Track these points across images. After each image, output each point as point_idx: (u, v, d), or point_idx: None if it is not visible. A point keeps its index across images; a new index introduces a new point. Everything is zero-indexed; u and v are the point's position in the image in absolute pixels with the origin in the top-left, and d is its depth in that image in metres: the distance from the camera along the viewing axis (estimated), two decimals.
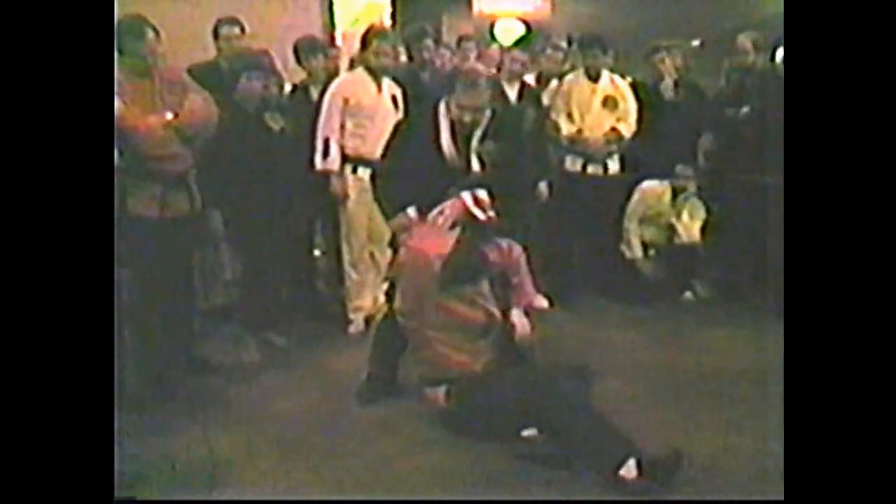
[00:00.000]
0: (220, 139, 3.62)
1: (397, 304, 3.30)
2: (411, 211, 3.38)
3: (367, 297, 4.47)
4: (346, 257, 4.46)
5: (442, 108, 3.45)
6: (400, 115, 4.32)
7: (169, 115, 3.38)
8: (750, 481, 2.68)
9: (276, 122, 4.12)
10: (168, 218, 3.43)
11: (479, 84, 3.43)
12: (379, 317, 3.60)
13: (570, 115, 4.82)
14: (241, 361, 3.96)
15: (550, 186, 4.86)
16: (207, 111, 3.53)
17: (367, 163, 4.20)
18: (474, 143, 3.46)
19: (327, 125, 4.26)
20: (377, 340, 3.53)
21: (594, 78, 4.83)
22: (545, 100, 4.94)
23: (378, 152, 3.72)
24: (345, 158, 4.30)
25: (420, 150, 3.43)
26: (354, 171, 4.30)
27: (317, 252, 4.81)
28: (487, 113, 3.43)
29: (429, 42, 4.87)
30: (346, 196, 4.31)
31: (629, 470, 2.62)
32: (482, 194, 3.21)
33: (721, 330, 4.29)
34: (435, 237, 3.17)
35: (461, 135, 3.44)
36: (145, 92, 3.38)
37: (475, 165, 3.48)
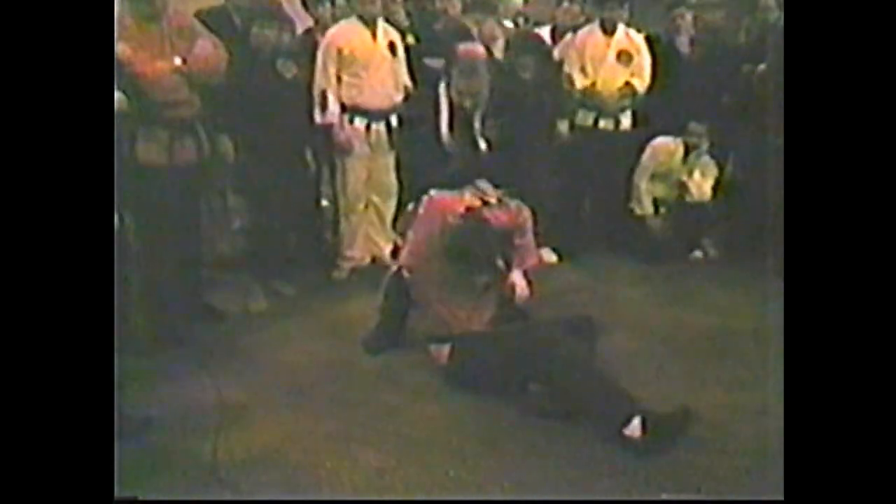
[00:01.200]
0: (230, 85, 3.59)
1: (403, 257, 3.30)
2: (433, 192, 3.36)
3: (357, 248, 4.46)
4: (341, 207, 4.45)
5: (442, 93, 3.40)
6: (399, 61, 4.26)
7: (177, 61, 3.34)
8: (752, 438, 2.70)
9: (288, 70, 4.06)
10: (176, 165, 3.40)
11: (478, 68, 3.38)
12: (392, 269, 3.60)
13: (583, 69, 4.73)
14: (248, 310, 3.98)
15: (571, 125, 4.74)
16: (216, 57, 3.49)
17: (364, 112, 4.16)
18: (477, 124, 3.43)
19: (323, 78, 4.17)
20: (387, 292, 3.53)
21: (609, 31, 4.73)
22: (556, 53, 4.85)
23: (376, 102, 3.63)
24: (342, 108, 4.20)
25: (430, 131, 3.43)
26: (351, 121, 4.22)
27: (324, 202, 4.79)
28: (486, 93, 3.38)
29: None
30: (350, 147, 4.24)
31: (634, 430, 2.64)
32: (486, 187, 3.22)
33: (729, 289, 4.28)
34: (453, 199, 3.21)
35: (463, 119, 3.40)
36: (153, 37, 3.33)
37: (482, 145, 3.46)
